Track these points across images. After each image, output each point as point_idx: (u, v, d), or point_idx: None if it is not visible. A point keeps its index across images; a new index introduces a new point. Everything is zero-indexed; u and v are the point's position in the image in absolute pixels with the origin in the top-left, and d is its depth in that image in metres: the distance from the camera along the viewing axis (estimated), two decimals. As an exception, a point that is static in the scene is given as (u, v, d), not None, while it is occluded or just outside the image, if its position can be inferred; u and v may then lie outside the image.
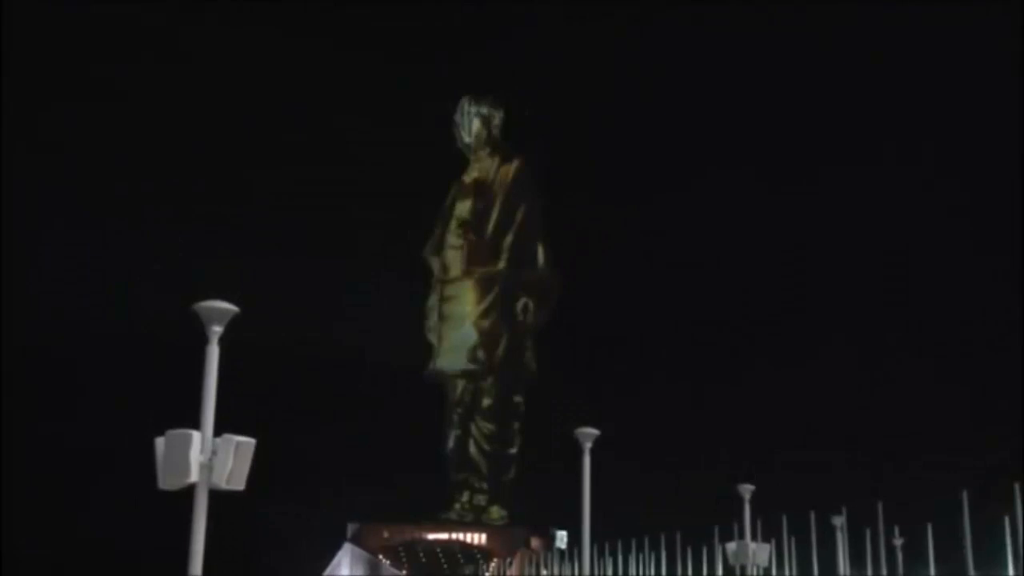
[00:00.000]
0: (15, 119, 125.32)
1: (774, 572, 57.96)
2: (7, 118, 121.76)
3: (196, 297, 21.09)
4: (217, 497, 20.69)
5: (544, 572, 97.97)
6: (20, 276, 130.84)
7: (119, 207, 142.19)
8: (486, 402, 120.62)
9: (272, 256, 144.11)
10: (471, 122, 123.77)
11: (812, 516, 57.38)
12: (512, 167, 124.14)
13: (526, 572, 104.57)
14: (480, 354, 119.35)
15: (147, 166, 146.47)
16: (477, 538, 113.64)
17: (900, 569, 53.58)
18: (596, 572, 75.20)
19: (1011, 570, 43.96)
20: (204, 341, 20.80)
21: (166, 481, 20.05)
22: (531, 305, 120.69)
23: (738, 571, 44.11)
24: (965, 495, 46.59)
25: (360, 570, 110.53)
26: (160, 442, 20.17)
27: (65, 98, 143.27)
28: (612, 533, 72.89)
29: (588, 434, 31.25)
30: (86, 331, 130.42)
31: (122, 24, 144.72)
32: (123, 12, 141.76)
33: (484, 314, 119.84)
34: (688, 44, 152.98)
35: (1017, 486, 42.35)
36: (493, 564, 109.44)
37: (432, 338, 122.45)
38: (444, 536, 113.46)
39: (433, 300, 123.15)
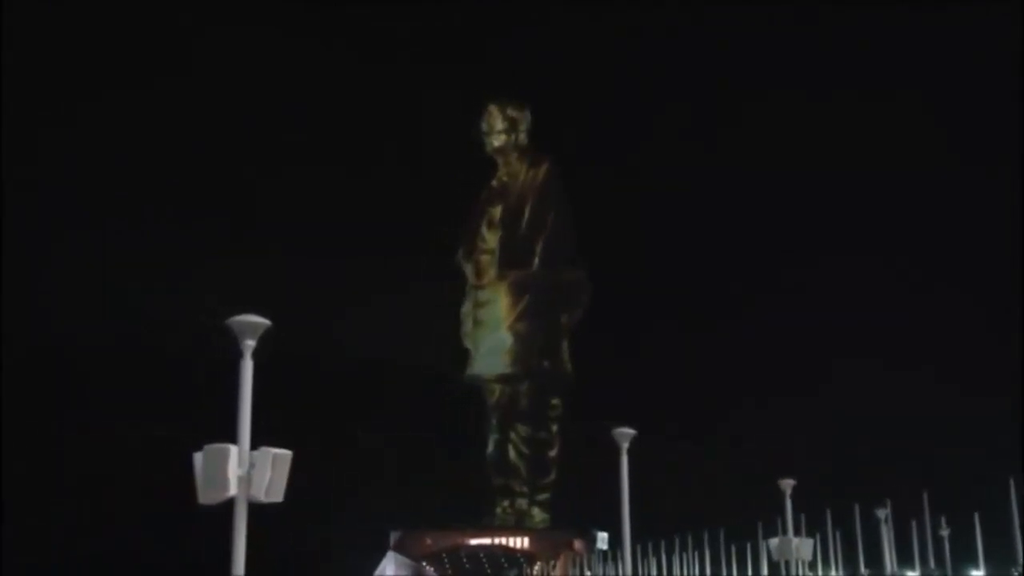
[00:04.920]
0: (15, 120, 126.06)
1: (820, 566, 57.34)
2: (8, 119, 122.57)
3: (226, 311, 21.11)
4: (258, 509, 20.72)
5: (588, 574, 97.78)
6: (35, 292, 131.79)
7: (128, 212, 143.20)
8: (523, 405, 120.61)
9: (300, 263, 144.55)
10: (498, 127, 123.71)
11: (856, 508, 56.62)
12: (541, 170, 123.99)
13: (570, 574, 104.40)
14: (516, 358, 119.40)
15: (162, 168, 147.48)
16: (520, 542, 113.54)
17: (948, 560, 52.90)
18: (640, 572, 74.90)
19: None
20: (237, 355, 20.85)
21: (205, 495, 20.14)
22: (566, 307, 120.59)
23: (783, 567, 43.68)
24: (1011, 483, 45.96)
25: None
26: (198, 457, 20.27)
27: (67, 100, 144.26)
28: (655, 532, 72.59)
29: (625, 434, 31.04)
30: (113, 347, 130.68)
31: (123, 25, 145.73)
32: (125, 12, 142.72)
33: (519, 318, 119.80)
34: (694, 41, 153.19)
35: None
36: (536, 567, 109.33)
37: (468, 344, 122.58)
38: (487, 541, 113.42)
39: (468, 306, 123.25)
